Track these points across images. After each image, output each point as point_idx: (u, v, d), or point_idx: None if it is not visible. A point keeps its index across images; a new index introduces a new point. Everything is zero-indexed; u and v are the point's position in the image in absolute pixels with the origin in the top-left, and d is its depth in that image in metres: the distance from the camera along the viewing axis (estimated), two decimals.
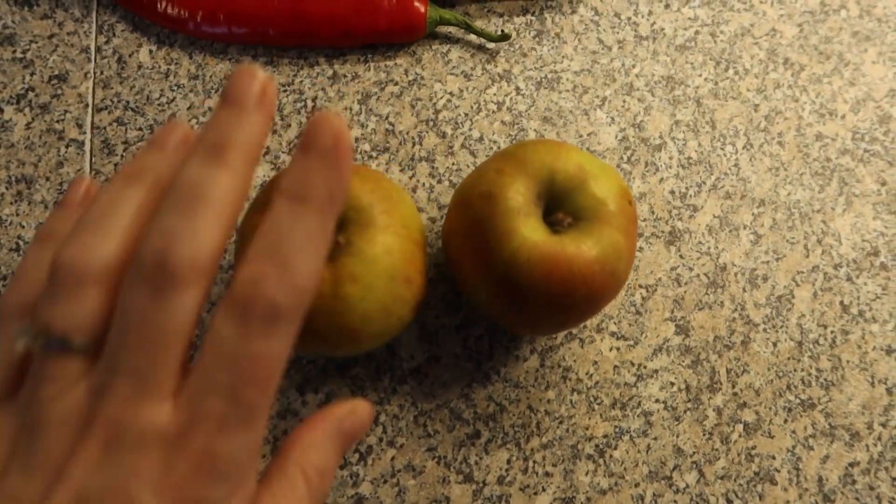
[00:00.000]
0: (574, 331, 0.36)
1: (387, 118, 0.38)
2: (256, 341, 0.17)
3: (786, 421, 0.36)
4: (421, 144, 0.38)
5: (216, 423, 0.17)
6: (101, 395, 0.17)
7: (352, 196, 0.28)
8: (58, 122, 0.37)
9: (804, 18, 0.42)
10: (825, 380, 0.36)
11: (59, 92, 0.37)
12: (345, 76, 0.39)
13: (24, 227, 0.35)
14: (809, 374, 0.36)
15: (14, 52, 0.38)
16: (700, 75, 0.41)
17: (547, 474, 0.34)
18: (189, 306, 0.17)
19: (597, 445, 0.34)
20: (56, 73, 0.38)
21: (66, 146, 0.37)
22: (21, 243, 0.35)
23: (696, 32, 0.41)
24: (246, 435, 0.17)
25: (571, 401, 0.35)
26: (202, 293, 0.18)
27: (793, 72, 0.41)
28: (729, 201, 0.39)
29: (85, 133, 0.37)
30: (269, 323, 0.17)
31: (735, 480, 0.35)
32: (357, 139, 0.38)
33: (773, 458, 0.35)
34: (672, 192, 0.38)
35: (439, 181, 0.38)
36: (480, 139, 0.38)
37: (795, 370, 0.36)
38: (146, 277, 0.17)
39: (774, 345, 0.37)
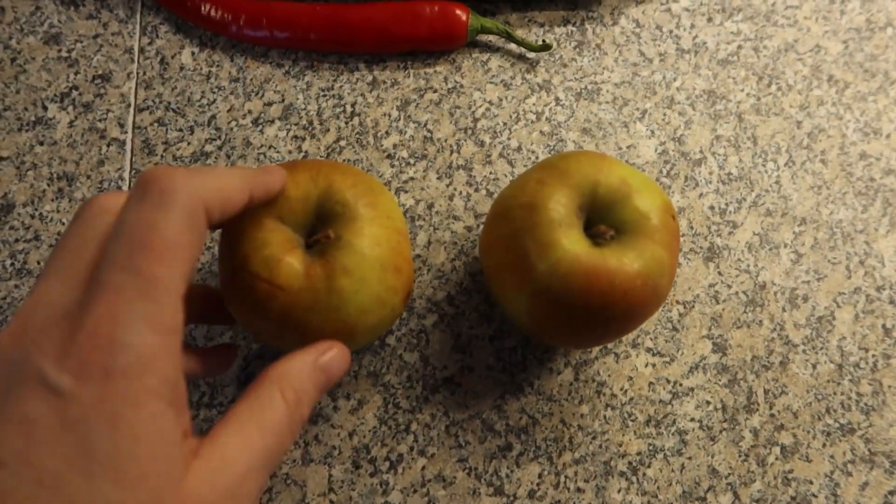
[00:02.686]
0: (609, 345, 0.35)
1: (425, 125, 0.38)
2: (150, 212, 0.19)
3: (824, 445, 0.35)
4: (459, 153, 0.38)
5: (114, 291, 0.18)
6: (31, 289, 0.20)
7: (335, 191, 0.28)
8: (100, 120, 0.37)
9: (849, 35, 0.42)
10: (865, 404, 0.35)
11: (103, 91, 0.38)
12: (384, 82, 0.39)
13: (64, 223, 0.36)
14: (849, 398, 0.35)
15: (59, 50, 0.38)
16: (742, 90, 0.40)
17: (579, 490, 0.33)
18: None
19: (630, 463, 0.34)
20: (100, 72, 0.38)
21: (108, 145, 0.37)
22: None
23: (739, 47, 0.41)
24: (146, 305, 0.18)
25: (605, 416, 0.34)
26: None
27: (837, 89, 0.41)
28: (769, 219, 0.38)
29: (126, 132, 0.37)
30: (163, 200, 0.20)
31: None
32: (395, 146, 0.38)
33: (811, 482, 0.34)
34: (712, 208, 0.38)
35: (476, 190, 0.37)
36: (519, 149, 0.38)
37: (835, 393, 0.35)
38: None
39: (814, 367, 0.36)
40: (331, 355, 0.26)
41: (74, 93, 0.38)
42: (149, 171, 0.20)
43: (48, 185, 0.36)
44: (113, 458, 0.17)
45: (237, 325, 0.34)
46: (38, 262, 0.35)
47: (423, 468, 0.33)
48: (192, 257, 0.20)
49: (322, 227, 0.28)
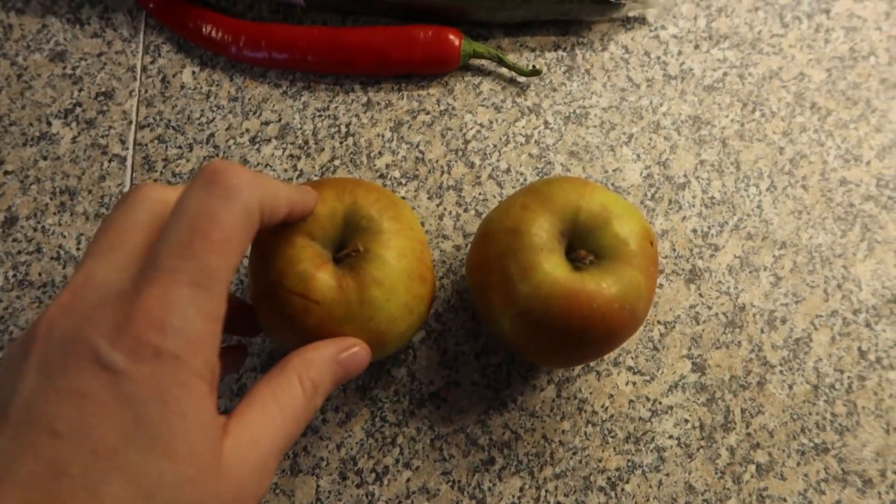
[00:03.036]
0: (591, 363, 0.36)
1: (417, 146, 0.39)
2: (215, 203, 0.20)
3: (799, 464, 0.36)
4: (449, 173, 0.39)
5: (170, 276, 0.19)
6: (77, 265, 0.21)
7: (360, 206, 0.30)
8: (102, 137, 0.39)
9: (833, 64, 0.43)
10: (840, 425, 0.36)
11: (105, 108, 0.39)
12: (378, 104, 0.40)
13: (65, 237, 0.37)
14: (824, 419, 0.37)
15: (64, 68, 0.40)
16: (727, 116, 0.41)
17: None
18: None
19: (609, 478, 0.35)
20: (103, 89, 0.39)
21: (109, 161, 0.38)
22: (62, 252, 0.36)
23: (725, 74, 0.42)
24: (198, 293, 0.19)
25: (586, 433, 0.35)
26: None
27: (819, 116, 0.42)
28: (750, 242, 0.39)
29: (127, 149, 0.38)
30: (228, 194, 0.20)
31: None
32: (388, 166, 0.39)
33: (785, 500, 0.35)
34: (694, 231, 0.39)
35: (465, 210, 0.38)
36: (508, 171, 0.39)
37: (810, 413, 0.37)
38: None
39: (790, 387, 0.37)
40: (352, 352, 0.27)
41: (78, 109, 0.39)
42: (215, 164, 0.21)
43: (51, 199, 0.37)
44: (164, 434, 0.18)
45: (229, 339, 0.35)
46: (40, 274, 0.36)
47: (408, 480, 0.34)
48: (243, 252, 0.21)
49: (349, 242, 0.29)
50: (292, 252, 0.29)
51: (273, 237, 0.29)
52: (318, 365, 0.25)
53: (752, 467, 0.36)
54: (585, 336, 0.29)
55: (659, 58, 0.42)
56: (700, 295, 0.38)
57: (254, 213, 0.21)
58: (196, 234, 0.19)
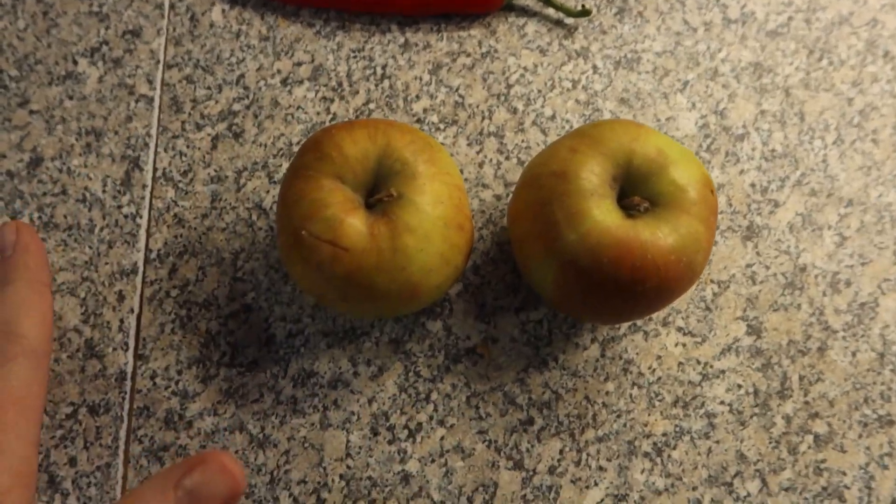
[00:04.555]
0: (638, 322, 0.34)
1: (457, 90, 0.37)
2: None
3: (860, 436, 0.33)
4: (490, 119, 0.37)
5: None
6: None
7: (394, 149, 0.28)
8: (129, 76, 0.37)
9: None
10: None
11: (132, 47, 0.37)
12: (416, 45, 0.38)
13: (91, 178, 0.35)
14: (889, 389, 0.34)
15: (91, 4, 0.38)
16: (791, 64, 0.38)
17: (600, 468, 0.32)
18: None
19: (655, 443, 0.33)
20: (130, 27, 0.38)
21: (136, 101, 0.37)
22: (88, 195, 0.35)
23: (790, 18, 0.39)
24: (2, 455, 0.21)
25: (631, 395, 0.33)
26: None
27: (893, 65, 0.38)
28: (814, 199, 0.36)
29: (155, 89, 0.37)
30: (7, 363, 0.23)
31: (801, 494, 0.33)
32: (425, 110, 0.37)
33: (844, 473, 0.33)
34: (753, 185, 0.36)
35: (507, 158, 0.36)
36: (553, 117, 0.37)
37: (875, 383, 0.34)
38: None
39: (853, 354, 0.34)
40: (203, 472, 0.19)
41: (105, 48, 0.37)
42: None
43: (76, 139, 0.36)
44: None
45: (258, 287, 0.34)
46: (65, 217, 0.35)
47: (442, 438, 0.33)
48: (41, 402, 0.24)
49: (382, 186, 0.27)
50: (320, 196, 0.27)
51: (299, 181, 0.28)
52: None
53: (810, 438, 0.33)
54: (636, 289, 0.27)
55: (718, 0, 0.39)
56: (757, 253, 0.35)
57: (38, 355, 0.25)
58: None
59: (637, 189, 0.28)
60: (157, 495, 0.19)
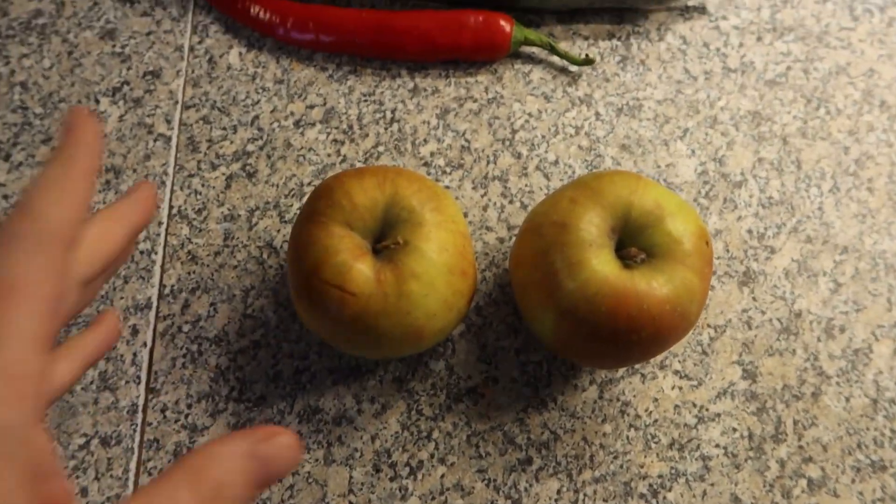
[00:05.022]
0: (636, 365, 0.35)
1: (463, 134, 0.38)
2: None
3: (853, 481, 0.34)
4: (495, 163, 0.38)
5: None
6: None
7: (401, 197, 0.29)
8: (148, 116, 0.38)
9: None
10: None
11: (152, 87, 0.39)
12: (425, 90, 0.39)
13: None
14: (882, 435, 0.35)
15: (114, 46, 0.40)
16: (789, 112, 0.39)
17: None
18: None
19: (651, 485, 0.34)
20: (151, 68, 0.39)
21: (155, 140, 0.38)
22: None
23: (788, 68, 0.40)
24: None
25: (628, 437, 0.34)
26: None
27: (889, 115, 0.39)
28: (809, 245, 0.37)
29: (173, 129, 0.38)
30: (7, 244, 0.19)
31: None
32: (432, 153, 0.38)
33: None
34: (749, 232, 0.37)
35: (511, 201, 0.37)
36: (556, 162, 0.38)
37: (868, 429, 0.35)
38: None
39: (847, 400, 0.35)
40: (273, 444, 0.20)
41: (126, 88, 0.39)
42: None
43: (97, 177, 0.37)
44: None
45: (267, 324, 0.35)
46: None
47: (443, 476, 0.33)
48: (48, 293, 0.19)
49: (389, 233, 0.29)
50: (330, 242, 0.28)
51: (311, 226, 0.29)
52: (223, 461, 0.19)
53: (804, 482, 0.34)
54: (633, 337, 0.28)
55: (718, 49, 0.40)
56: (753, 299, 0.36)
57: (50, 240, 0.20)
58: None
59: (635, 240, 0.29)
60: (234, 458, 0.19)
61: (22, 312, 0.18)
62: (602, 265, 0.28)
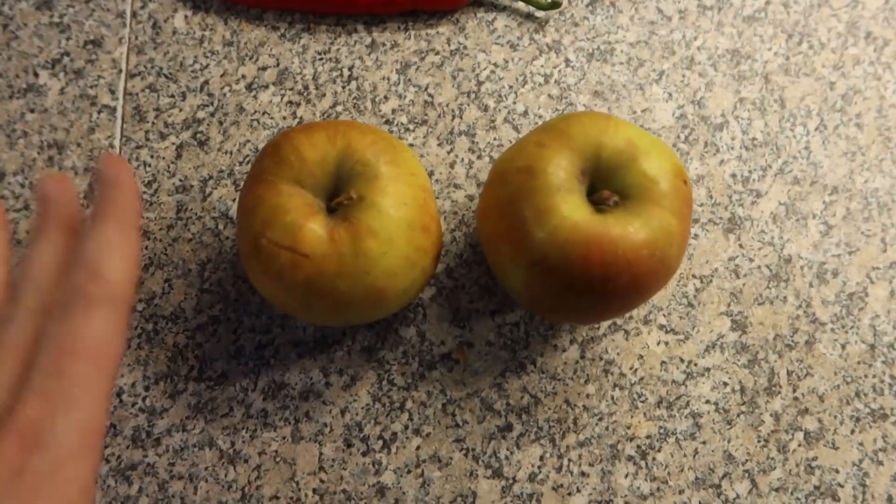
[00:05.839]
0: (619, 321, 0.33)
1: (426, 89, 0.36)
2: (76, 321, 0.20)
3: (853, 431, 0.32)
4: (461, 118, 0.36)
5: (39, 397, 0.19)
6: None
7: (354, 150, 0.27)
8: (91, 87, 0.36)
9: None
10: None
11: (94, 57, 0.37)
12: (384, 45, 0.37)
13: None
14: (882, 382, 0.33)
15: (51, 16, 0.37)
16: (770, 49, 0.37)
17: (583, 474, 0.31)
18: None
19: (639, 446, 0.32)
20: (91, 37, 0.37)
21: (99, 112, 0.36)
22: None
23: (767, 2, 0.38)
24: (70, 409, 0.19)
25: (613, 397, 0.32)
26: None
27: (875, 47, 0.37)
28: (797, 187, 0.35)
29: (117, 99, 0.36)
30: (87, 307, 0.20)
31: (792, 494, 0.31)
32: (394, 111, 0.36)
33: (837, 471, 0.32)
34: (733, 176, 0.35)
35: (479, 157, 0.35)
36: (525, 113, 0.36)
37: (866, 376, 0.33)
38: None
39: (843, 347, 0.33)
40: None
41: (66, 59, 0.37)
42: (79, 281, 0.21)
43: (38, 153, 0.35)
44: None
45: (226, 298, 0.33)
46: (27, 232, 0.34)
47: (418, 448, 0.32)
48: (119, 351, 0.22)
49: (343, 189, 0.26)
50: (278, 201, 0.26)
51: (257, 186, 0.27)
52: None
53: (800, 435, 0.32)
54: (609, 287, 0.26)
55: None
56: (740, 246, 0.34)
57: (121, 303, 0.22)
58: (62, 354, 0.20)
59: (607, 183, 0.27)
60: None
61: (103, 375, 0.20)
62: (572, 211, 0.26)
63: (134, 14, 0.37)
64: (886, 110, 0.36)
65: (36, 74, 0.36)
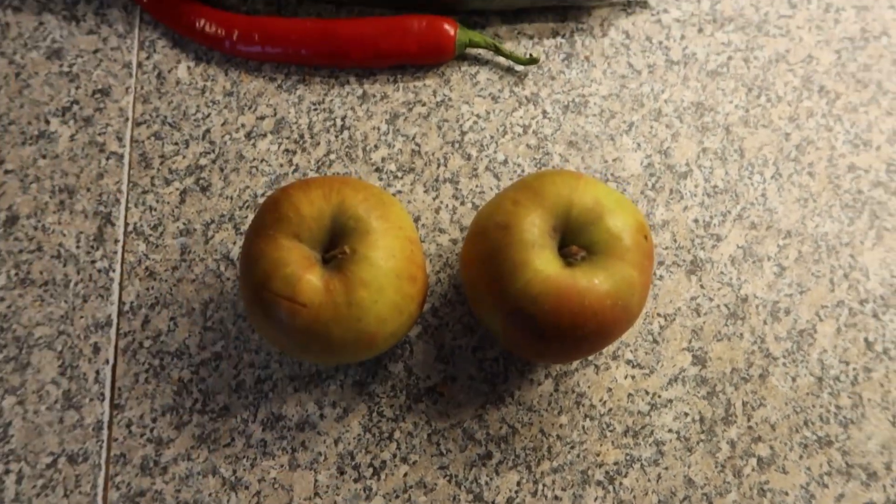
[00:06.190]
0: (590, 357, 0.36)
1: (413, 139, 0.39)
2: None
3: (801, 457, 0.35)
4: (446, 166, 0.39)
5: None
6: None
7: (348, 206, 0.29)
8: (100, 134, 0.39)
9: (843, 45, 0.41)
10: (844, 417, 0.36)
11: (102, 105, 0.39)
12: (374, 96, 0.40)
13: (65, 235, 0.37)
14: (828, 411, 0.36)
15: (61, 65, 0.40)
16: (731, 102, 0.40)
17: (556, 498, 0.34)
18: None
19: (607, 472, 0.35)
20: (99, 87, 0.39)
21: (107, 158, 0.38)
22: (62, 251, 0.37)
23: (729, 58, 0.41)
24: None
25: (584, 427, 0.35)
26: None
27: (828, 100, 0.41)
28: (754, 232, 0.38)
29: (124, 146, 0.39)
30: None
31: None
32: (384, 159, 0.39)
33: (786, 493, 0.35)
34: (696, 221, 0.38)
35: (462, 203, 0.38)
36: (505, 162, 0.39)
37: (814, 406, 0.36)
38: None
39: (793, 379, 0.36)
40: None
41: (75, 107, 0.39)
42: None
43: (50, 197, 0.38)
44: None
45: (227, 335, 0.36)
46: (41, 273, 0.36)
47: (406, 475, 0.34)
48: None
49: (337, 243, 0.29)
50: (279, 255, 0.29)
51: (259, 240, 0.29)
52: None
53: (754, 461, 0.35)
54: (577, 333, 0.29)
55: (661, 43, 0.41)
56: (701, 286, 0.37)
57: None
58: None
59: (576, 238, 0.30)
60: None
61: None
62: (544, 265, 0.29)
63: (140, 65, 0.40)
64: (836, 159, 0.39)
65: (47, 122, 0.39)
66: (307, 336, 0.29)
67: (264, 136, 0.39)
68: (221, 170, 0.38)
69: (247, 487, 0.34)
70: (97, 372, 0.35)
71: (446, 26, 0.38)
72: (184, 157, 0.38)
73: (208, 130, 0.39)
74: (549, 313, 0.29)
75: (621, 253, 0.29)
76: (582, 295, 0.28)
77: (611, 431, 0.35)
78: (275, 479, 0.34)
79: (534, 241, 0.29)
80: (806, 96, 0.41)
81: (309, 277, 0.28)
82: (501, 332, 0.31)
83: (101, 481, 0.34)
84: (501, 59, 0.40)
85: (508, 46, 0.41)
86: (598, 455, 0.35)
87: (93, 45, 0.40)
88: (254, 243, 0.30)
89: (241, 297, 0.30)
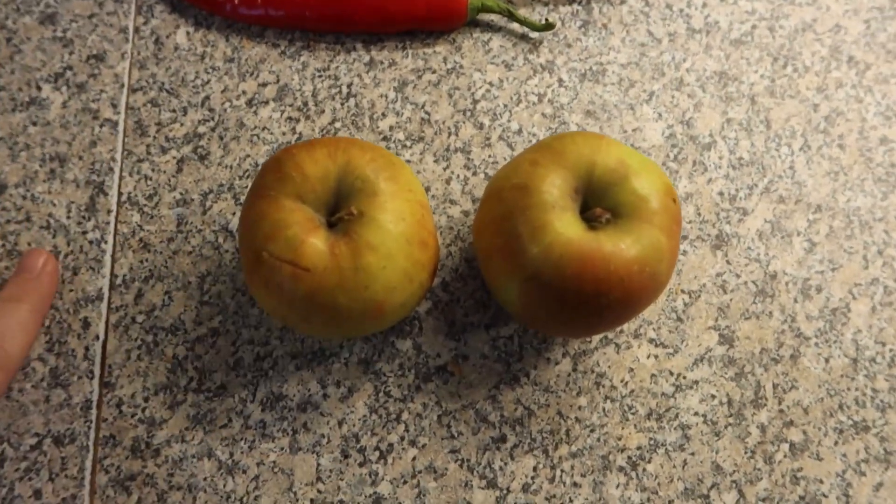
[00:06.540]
0: (610, 335, 0.34)
1: (423, 107, 0.37)
2: None
3: (836, 443, 0.33)
4: (457, 135, 0.37)
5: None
6: None
7: (354, 166, 0.27)
8: (93, 101, 0.37)
9: (872, 15, 0.40)
10: (881, 401, 0.34)
11: (97, 71, 0.37)
12: (381, 63, 0.38)
13: (55, 205, 0.35)
14: (864, 395, 0.34)
15: (55, 30, 0.38)
16: (756, 72, 0.38)
17: (575, 485, 0.32)
18: None
19: (629, 457, 0.33)
20: (94, 52, 0.38)
21: (101, 126, 0.36)
22: (52, 221, 0.35)
23: (754, 26, 0.39)
24: None
25: (604, 409, 0.33)
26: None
27: (857, 70, 0.39)
28: (782, 206, 0.36)
29: (119, 113, 0.37)
30: None
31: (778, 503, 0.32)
32: (391, 128, 0.37)
33: (821, 482, 0.33)
34: (721, 194, 0.36)
35: (474, 173, 0.36)
36: (519, 131, 0.37)
37: (849, 389, 0.34)
38: None
39: (826, 361, 0.34)
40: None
41: (68, 73, 0.37)
42: None
43: (40, 165, 0.36)
44: None
45: (225, 310, 0.34)
46: (29, 244, 0.34)
47: (414, 459, 0.32)
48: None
49: (343, 205, 0.27)
50: (280, 216, 0.27)
51: (260, 201, 0.27)
52: None
53: (786, 446, 0.33)
54: (600, 302, 0.27)
55: (682, 10, 0.39)
56: (727, 262, 0.35)
57: (10, 370, 0.30)
58: None
59: (599, 200, 0.28)
60: None
61: None
62: (566, 227, 0.27)
63: (136, 30, 0.38)
64: (868, 132, 0.38)
65: (39, 88, 0.37)
66: (310, 304, 0.27)
67: (266, 103, 0.37)
68: (221, 138, 0.36)
69: (244, 471, 0.32)
70: (86, 348, 0.33)
71: None
72: (181, 124, 0.37)
73: (207, 97, 0.37)
74: (571, 279, 0.26)
75: (648, 216, 0.27)
76: (607, 260, 0.26)
77: (633, 414, 0.33)
78: (274, 462, 0.32)
79: (554, 202, 0.27)
80: (834, 66, 0.39)
81: (313, 240, 0.26)
82: (518, 301, 0.29)
83: (88, 464, 0.32)
84: (515, 26, 0.39)
85: (522, 12, 0.39)
86: (619, 439, 0.33)
87: (88, 9, 0.38)
88: (254, 204, 0.28)
89: (242, 264, 0.28)
